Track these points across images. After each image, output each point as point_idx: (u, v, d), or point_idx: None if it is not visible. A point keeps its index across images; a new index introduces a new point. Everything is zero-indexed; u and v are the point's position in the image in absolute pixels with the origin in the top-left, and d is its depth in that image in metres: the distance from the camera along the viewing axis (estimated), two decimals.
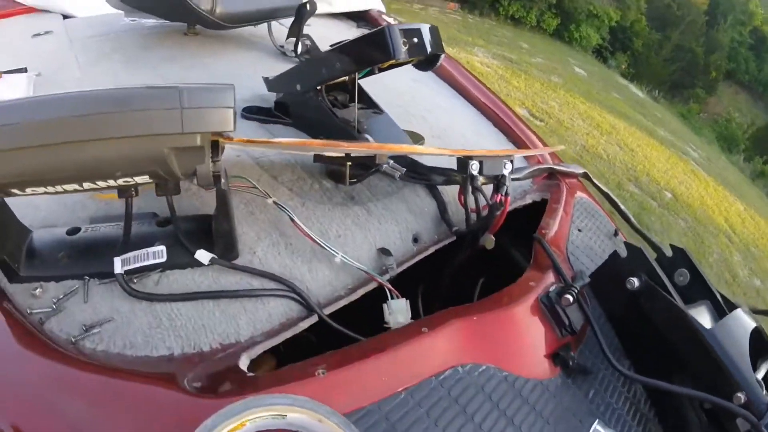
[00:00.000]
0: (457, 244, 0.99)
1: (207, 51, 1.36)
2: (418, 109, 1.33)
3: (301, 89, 1.03)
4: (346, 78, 1.07)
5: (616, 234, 1.18)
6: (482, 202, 0.92)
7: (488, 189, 0.93)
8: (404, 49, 0.89)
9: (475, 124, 1.43)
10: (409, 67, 1.07)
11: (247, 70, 1.28)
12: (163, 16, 1.34)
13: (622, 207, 1.27)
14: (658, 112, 13.63)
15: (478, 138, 1.33)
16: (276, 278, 0.75)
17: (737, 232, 7.91)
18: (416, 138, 1.17)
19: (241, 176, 0.80)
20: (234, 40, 1.44)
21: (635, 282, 0.84)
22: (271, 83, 1.13)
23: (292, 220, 0.79)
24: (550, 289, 0.81)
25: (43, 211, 0.77)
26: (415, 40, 0.92)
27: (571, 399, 0.75)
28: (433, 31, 0.97)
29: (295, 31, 1.42)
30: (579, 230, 1.08)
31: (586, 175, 1.32)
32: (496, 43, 10.02)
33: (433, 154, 0.86)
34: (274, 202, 0.81)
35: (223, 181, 0.66)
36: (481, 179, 0.91)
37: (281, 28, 1.47)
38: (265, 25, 1.48)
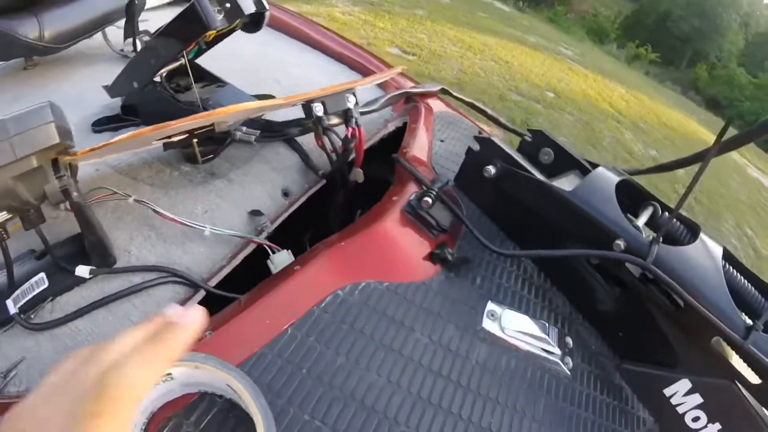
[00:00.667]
0: (331, 185, 1.01)
1: (50, 78, 1.28)
2: (269, 72, 1.33)
3: (138, 86, 1.00)
4: (183, 61, 1.05)
5: (480, 134, 1.23)
6: (340, 141, 0.93)
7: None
8: (220, 17, 0.88)
9: (329, 71, 1.44)
10: (259, 33, 1.06)
11: (94, 85, 1.23)
12: None
13: (480, 105, 1.31)
14: (525, 22, 14.06)
15: (333, 83, 1.34)
16: (154, 268, 0.75)
17: (623, 113, 8.41)
18: (268, 99, 1.16)
19: (101, 186, 0.80)
20: (74, 58, 1.37)
21: (491, 169, 0.89)
22: (111, 89, 1.09)
23: (155, 211, 0.79)
24: (411, 198, 0.85)
25: None
26: (228, 5, 0.91)
27: (458, 290, 0.79)
28: None
29: (130, 30, 1.37)
30: (441, 141, 1.13)
31: (444, 91, 1.36)
32: None
33: (268, 106, 0.87)
34: (135, 200, 0.80)
35: (75, 194, 0.65)
36: (331, 119, 0.92)
37: (120, 31, 1.42)
38: (101, 33, 1.41)
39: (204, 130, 0.86)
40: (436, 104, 1.31)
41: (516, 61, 8.09)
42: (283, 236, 0.89)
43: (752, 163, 11.25)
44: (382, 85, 1.41)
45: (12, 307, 0.67)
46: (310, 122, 0.94)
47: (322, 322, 0.65)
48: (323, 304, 0.66)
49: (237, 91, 1.10)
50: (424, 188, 0.87)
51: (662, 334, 0.78)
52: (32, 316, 0.69)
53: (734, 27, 24.78)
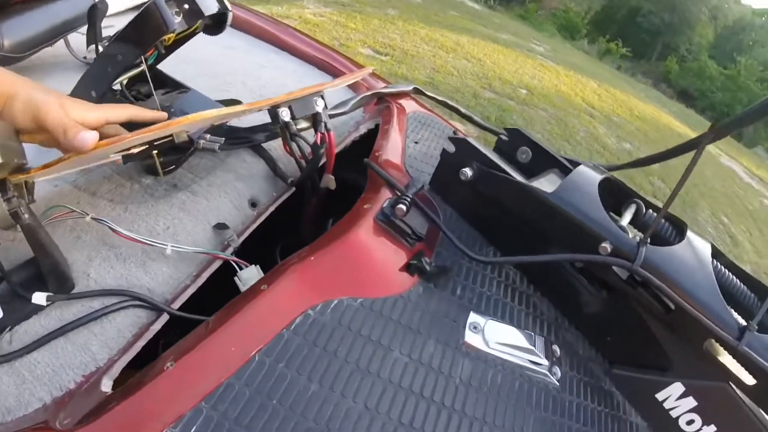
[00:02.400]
0: (301, 193, 0.96)
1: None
2: (235, 75, 1.27)
3: (96, 95, 0.94)
4: (144, 67, 0.99)
5: (455, 134, 1.20)
6: (309, 146, 0.89)
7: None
8: (178, 19, 0.83)
9: (297, 72, 1.39)
10: (222, 35, 1.00)
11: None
12: None
13: (453, 103, 1.28)
14: (497, 19, 14.13)
15: (301, 84, 1.29)
16: (114, 292, 0.70)
17: (596, 107, 8.49)
18: (234, 104, 1.11)
19: (58, 205, 0.75)
20: (37, 66, 1.31)
21: (468, 172, 0.85)
22: (76, 92, 1.04)
23: (112, 229, 0.74)
24: (384, 205, 0.80)
25: None
26: (187, 6, 0.86)
27: (438, 302, 0.75)
28: None
29: (92, 37, 1.30)
30: (416, 143, 1.09)
31: (417, 90, 1.32)
32: None
33: (230, 113, 0.81)
34: (92, 218, 0.75)
35: (26, 216, 0.61)
36: (300, 124, 0.88)
37: (83, 38, 1.36)
38: (63, 41, 1.35)
39: (163, 141, 0.80)
40: (409, 104, 1.27)
41: (488, 59, 8.11)
42: (253, 250, 0.84)
43: (725, 152, 11.44)
44: (353, 87, 1.36)
45: None
46: (277, 128, 0.89)
47: (293, 346, 0.60)
48: (293, 326, 0.62)
49: (201, 96, 1.04)
50: (398, 194, 0.83)
51: (653, 338, 0.75)
52: None
53: (703, 20, 25.27)
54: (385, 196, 0.83)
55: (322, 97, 0.91)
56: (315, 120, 0.89)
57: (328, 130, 0.88)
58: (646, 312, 0.75)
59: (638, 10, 23.47)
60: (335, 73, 1.41)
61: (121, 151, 0.74)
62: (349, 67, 1.41)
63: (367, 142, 1.09)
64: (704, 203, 6.65)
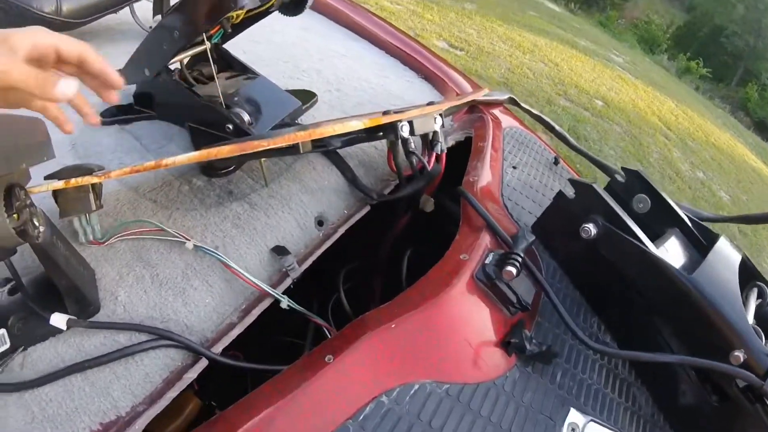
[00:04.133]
0: (379, 212, 0.82)
1: None
2: (310, 62, 1.14)
3: (149, 74, 0.83)
4: (207, 46, 0.86)
5: (556, 162, 1.03)
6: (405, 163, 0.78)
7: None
8: None
9: (379, 64, 1.25)
10: (300, 15, 0.87)
11: (116, 66, 1.07)
12: (10, 26, 1.09)
13: (558, 128, 1.10)
14: (576, 24, 13.64)
15: (384, 80, 1.15)
16: (143, 328, 0.58)
17: (672, 128, 8.06)
18: (307, 96, 0.97)
19: (140, 219, 0.65)
20: (99, 33, 1.21)
21: (591, 229, 0.68)
22: (124, 74, 0.92)
23: (224, 264, 0.63)
24: (487, 260, 0.64)
25: None
26: None
27: (535, 392, 0.59)
28: None
29: (159, 5, 1.19)
30: (513, 167, 0.92)
31: (512, 101, 1.16)
32: None
33: (353, 131, 0.67)
34: (195, 245, 0.64)
35: (40, 231, 0.48)
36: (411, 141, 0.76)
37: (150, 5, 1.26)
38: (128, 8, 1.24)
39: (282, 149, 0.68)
40: (504, 118, 1.11)
41: (566, 65, 7.77)
42: (309, 269, 0.70)
43: None
44: (438, 86, 1.20)
45: None
46: (388, 140, 0.77)
47: None
48: (361, 417, 0.47)
49: (269, 85, 0.91)
50: (502, 243, 0.67)
51: None
52: (0, 370, 0.54)
53: None
54: (485, 243, 0.67)
55: (441, 115, 0.78)
56: (433, 138, 0.80)
57: (442, 151, 0.80)
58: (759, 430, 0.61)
59: (722, 30, 22.25)
60: (419, 69, 1.26)
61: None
62: (438, 65, 1.26)
63: (453, 154, 0.94)
64: None
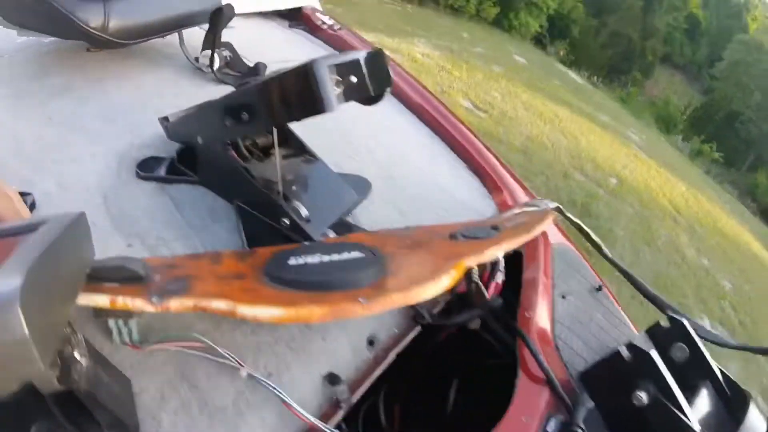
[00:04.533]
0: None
1: (110, 73, 1.12)
2: (361, 136, 1.13)
3: (202, 143, 0.82)
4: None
5: (599, 289, 1.01)
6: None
7: None
8: (338, 91, 0.67)
9: (428, 147, 1.24)
10: None
11: (153, 97, 1.06)
12: (53, 34, 1.09)
13: (610, 254, 1.07)
14: (598, 98, 13.87)
15: (434, 170, 1.15)
16: None
17: (682, 212, 8.10)
18: (362, 186, 0.96)
19: (192, 334, 0.58)
20: (142, 54, 1.21)
21: (644, 398, 0.66)
22: (170, 128, 0.90)
23: (286, 403, 0.58)
24: (549, 428, 0.62)
25: None
26: (354, 79, 0.70)
27: None
28: (376, 60, 0.73)
29: (210, 42, 1.20)
30: (563, 297, 0.90)
31: (558, 210, 1.14)
32: (436, 33, 9.89)
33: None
34: (249, 374, 0.59)
35: (81, 367, 0.44)
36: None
37: (200, 33, 1.26)
38: (177, 35, 1.24)
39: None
40: (551, 231, 1.09)
41: (584, 138, 7.87)
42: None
43: None
44: (484, 181, 1.19)
45: None
46: None
47: None
48: None
49: (328, 173, 0.90)
50: (563, 409, 0.65)
51: None
52: None
53: None
54: (545, 402, 0.65)
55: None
56: (494, 268, 0.78)
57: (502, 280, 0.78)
58: None
59: (738, 115, 22.52)
60: (467, 159, 1.24)
61: None
62: (488, 160, 1.24)
63: None
64: None
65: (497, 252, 0.63)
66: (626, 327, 0.94)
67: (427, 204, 1.03)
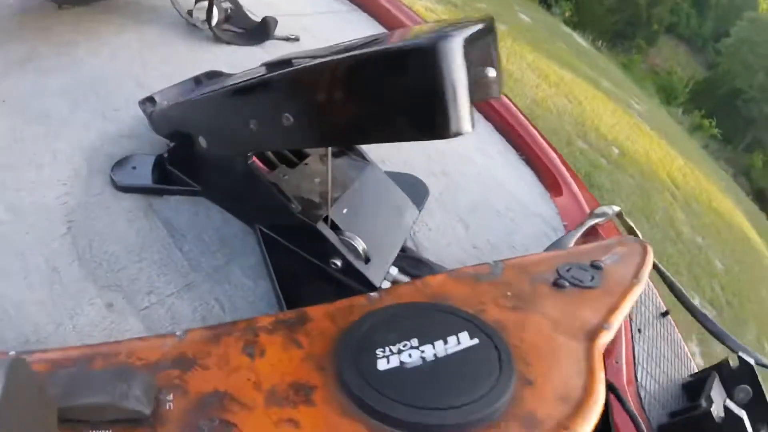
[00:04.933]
0: None
1: (81, 35, 0.92)
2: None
3: (206, 145, 0.60)
4: None
5: (665, 314, 0.88)
6: None
7: None
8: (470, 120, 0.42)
9: (483, 136, 1.08)
10: None
11: (134, 65, 0.86)
12: None
13: (677, 283, 0.92)
14: (601, 62, 13.59)
15: (488, 162, 0.99)
16: None
17: (680, 187, 8.05)
18: (419, 192, 0.78)
19: None
20: (122, 9, 1.01)
21: None
22: (156, 118, 0.69)
23: None
24: None
25: None
26: (486, 71, 0.47)
27: None
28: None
29: None
30: (639, 331, 0.76)
31: (620, 216, 1.01)
32: None
33: None
34: None
35: None
36: None
37: None
38: None
39: None
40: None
41: (588, 105, 7.68)
42: None
43: None
44: (539, 173, 1.05)
45: None
46: None
47: None
48: None
49: (383, 181, 0.69)
50: None
51: None
52: None
53: None
54: None
55: None
56: None
57: None
58: None
59: (740, 93, 22.29)
60: (519, 147, 1.08)
61: None
62: (544, 150, 1.08)
63: None
64: (753, 324, 6.17)
65: (620, 318, 0.50)
66: (689, 359, 0.85)
67: (489, 210, 0.88)
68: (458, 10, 7.63)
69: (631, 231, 1.01)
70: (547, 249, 0.82)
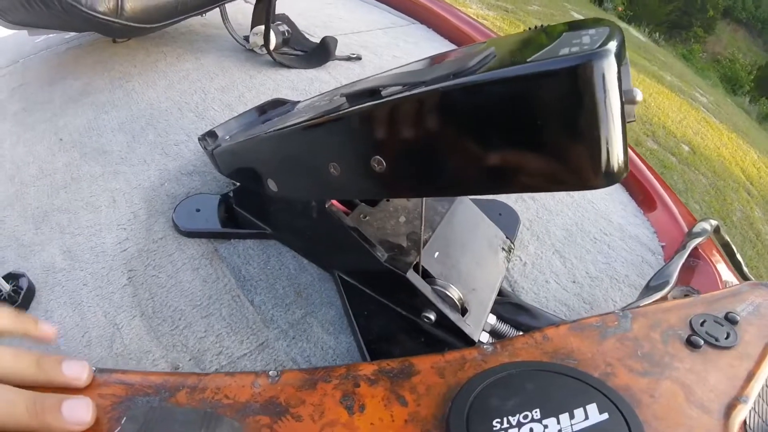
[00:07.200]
0: None
1: (136, 68, 0.89)
2: None
3: (276, 189, 0.53)
4: None
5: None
6: None
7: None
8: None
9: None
10: None
11: (193, 95, 0.82)
12: (60, 27, 0.86)
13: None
14: (661, 56, 13.09)
15: (601, 200, 0.90)
16: None
17: (755, 184, 7.62)
18: (511, 222, 0.71)
19: None
20: (178, 39, 0.97)
21: None
22: (220, 158, 0.62)
23: None
24: None
25: None
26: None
27: None
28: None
29: (263, 14, 0.95)
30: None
31: (717, 230, 0.90)
32: None
33: None
34: None
35: None
36: None
37: (246, 7, 1.00)
38: (219, 11, 0.99)
39: None
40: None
41: (653, 102, 7.37)
42: None
43: None
44: (632, 193, 0.96)
45: None
46: None
47: None
48: None
49: (474, 214, 0.61)
50: None
51: None
52: None
53: None
54: None
55: None
56: None
57: None
58: None
59: None
60: (628, 183, 0.99)
61: None
62: (651, 184, 0.98)
63: None
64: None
65: (758, 388, 0.42)
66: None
67: (584, 236, 0.78)
68: (510, 15, 7.50)
69: (726, 248, 0.90)
70: (653, 279, 0.71)
